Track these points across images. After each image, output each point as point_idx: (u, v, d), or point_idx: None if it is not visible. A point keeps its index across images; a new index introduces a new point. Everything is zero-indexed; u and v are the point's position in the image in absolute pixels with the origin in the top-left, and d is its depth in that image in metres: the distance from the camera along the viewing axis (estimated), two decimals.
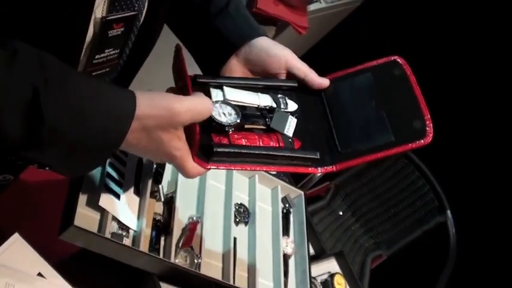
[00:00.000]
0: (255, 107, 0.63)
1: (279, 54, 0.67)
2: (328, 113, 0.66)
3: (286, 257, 0.87)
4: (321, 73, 0.69)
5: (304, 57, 0.67)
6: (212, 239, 0.79)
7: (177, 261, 0.72)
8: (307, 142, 0.63)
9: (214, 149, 0.57)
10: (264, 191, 0.93)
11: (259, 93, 0.65)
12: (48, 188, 0.85)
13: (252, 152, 0.59)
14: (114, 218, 0.68)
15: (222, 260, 0.79)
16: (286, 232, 0.91)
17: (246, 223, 0.86)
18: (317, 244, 1.05)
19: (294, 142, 0.63)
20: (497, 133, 1.93)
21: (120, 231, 0.68)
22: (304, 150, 0.63)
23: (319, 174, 1.47)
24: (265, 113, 0.64)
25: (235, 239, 0.81)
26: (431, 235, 1.55)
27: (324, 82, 0.67)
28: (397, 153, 0.62)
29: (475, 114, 2.01)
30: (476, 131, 1.98)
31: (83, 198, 0.65)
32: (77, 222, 0.61)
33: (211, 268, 0.76)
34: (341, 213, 1.60)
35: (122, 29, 0.57)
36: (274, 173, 0.93)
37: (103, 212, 0.67)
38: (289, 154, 0.61)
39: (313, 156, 0.62)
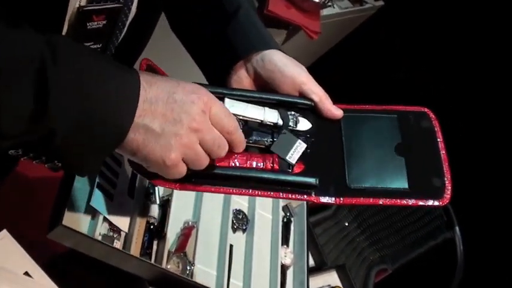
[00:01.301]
0: (258, 123, 0.58)
1: (294, 75, 0.61)
2: (344, 142, 0.60)
3: (284, 268, 0.84)
4: (331, 84, 0.63)
5: (315, 65, 0.63)
6: (207, 246, 0.76)
7: (168, 267, 0.70)
8: (312, 167, 0.57)
9: None
10: (264, 198, 0.89)
11: (266, 108, 0.59)
12: (43, 184, 0.83)
13: (229, 174, 0.53)
14: (106, 219, 0.66)
15: (216, 268, 0.76)
16: (285, 242, 0.88)
17: (243, 230, 0.83)
18: (318, 255, 1.01)
19: (295, 166, 0.56)
20: (508, 150, 1.89)
21: (111, 233, 0.66)
22: (303, 175, 0.56)
23: None
24: (266, 130, 0.58)
25: (231, 246, 0.79)
26: (438, 251, 1.51)
27: (337, 113, 0.61)
28: (406, 206, 0.55)
29: (485, 129, 1.97)
30: (487, 146, 1.94)
31: (73, 197, 0.63)
32: (66, 221, 0.59)
33: (204, 276, 0.73)
34: (346, 224, 1.57)
35: (104, 22, 0.53)
36: None
37: (94, 212, 0.65)
38: (278, 178, 0.54)
39: (310, 183, 0.55)
